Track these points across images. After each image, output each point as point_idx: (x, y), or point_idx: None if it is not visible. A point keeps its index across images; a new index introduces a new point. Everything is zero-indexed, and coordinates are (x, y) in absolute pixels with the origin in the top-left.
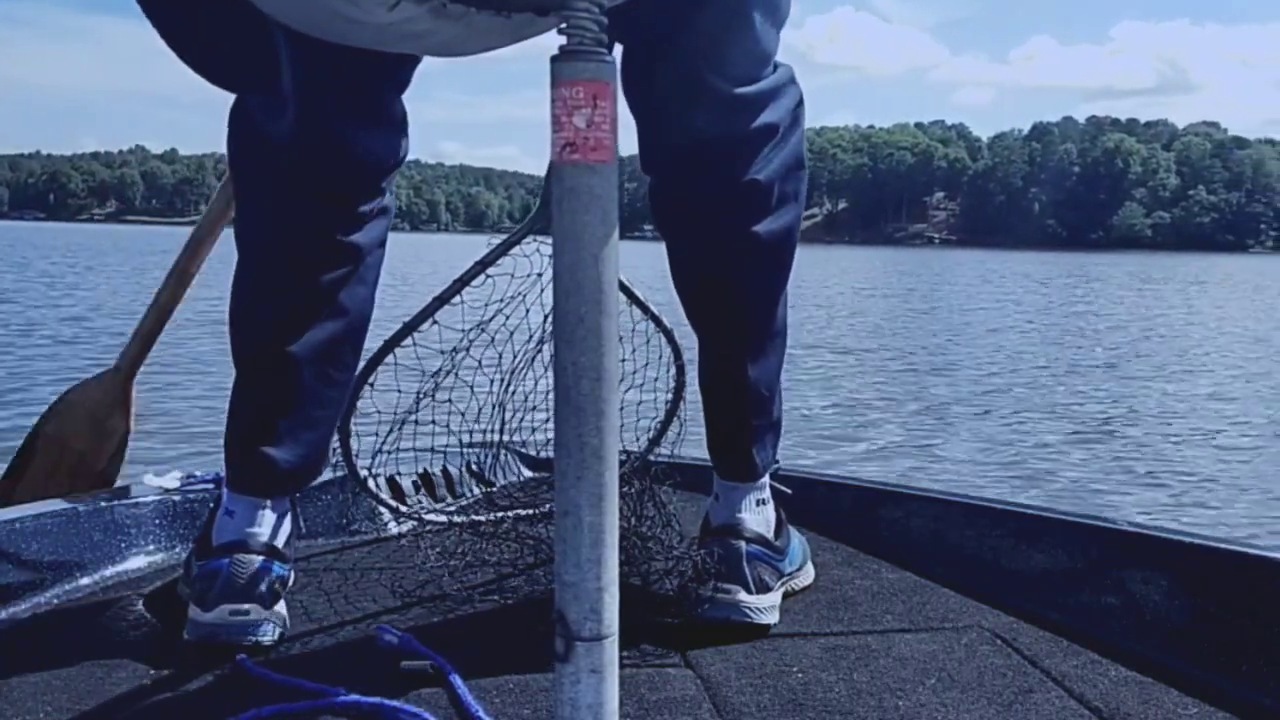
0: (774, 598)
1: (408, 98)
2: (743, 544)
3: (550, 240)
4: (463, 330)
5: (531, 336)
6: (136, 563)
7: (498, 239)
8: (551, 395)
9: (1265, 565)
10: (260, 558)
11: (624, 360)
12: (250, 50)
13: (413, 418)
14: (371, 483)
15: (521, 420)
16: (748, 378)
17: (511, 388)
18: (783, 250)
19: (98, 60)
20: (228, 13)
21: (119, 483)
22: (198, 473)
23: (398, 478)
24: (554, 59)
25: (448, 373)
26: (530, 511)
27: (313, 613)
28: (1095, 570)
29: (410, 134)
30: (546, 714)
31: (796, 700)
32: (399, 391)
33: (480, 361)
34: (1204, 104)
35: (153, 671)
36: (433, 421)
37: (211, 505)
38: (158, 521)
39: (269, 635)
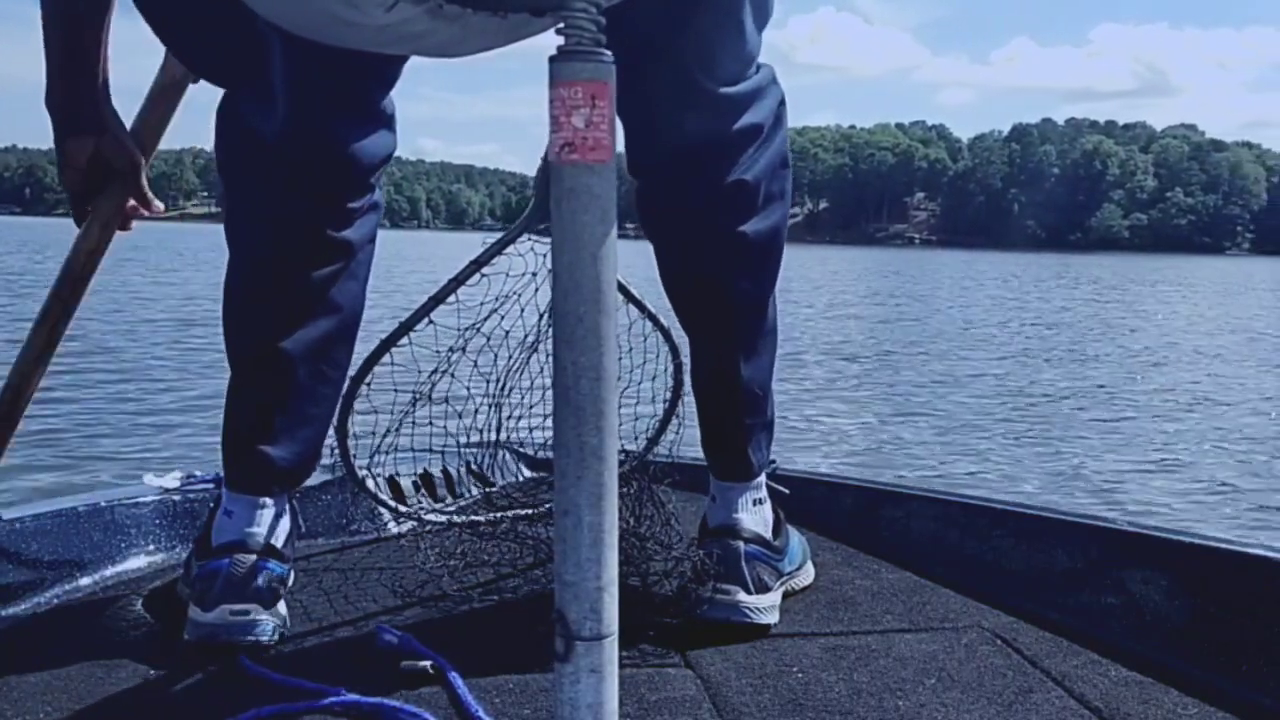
0: (774, 597)
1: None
2: (741, 544)
3: (545, 239)
4: (458, 330)
5: (527, 336)
6: (136, 563)
7: (492, 238)
8: (548, 395)
9: (1265, 565)
10: (260, 558)
11: (619, 359)
12: (239, 44)
13: (410, 419)
14: (371, 483)
15: (518, 422)
16: (741, 377)
17: (507, 387)
18: (771, 249)
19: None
20: (218, 6)
21: (119, 483)
22: (198, 473)
23: (398, 478)
24: (552, 59)
25: (443, 373)
26: (530, 511)
27: (313, 612)
28: (1095, 570)
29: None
30: (546, 714)
31: (796, 700)
32: (395, 390)
33: (476, 362)
34: (1182, 106)
35: (153, 671)
36: (430, 423)
37: (211, 505)
38: (158, 521)
39: (269, 635)
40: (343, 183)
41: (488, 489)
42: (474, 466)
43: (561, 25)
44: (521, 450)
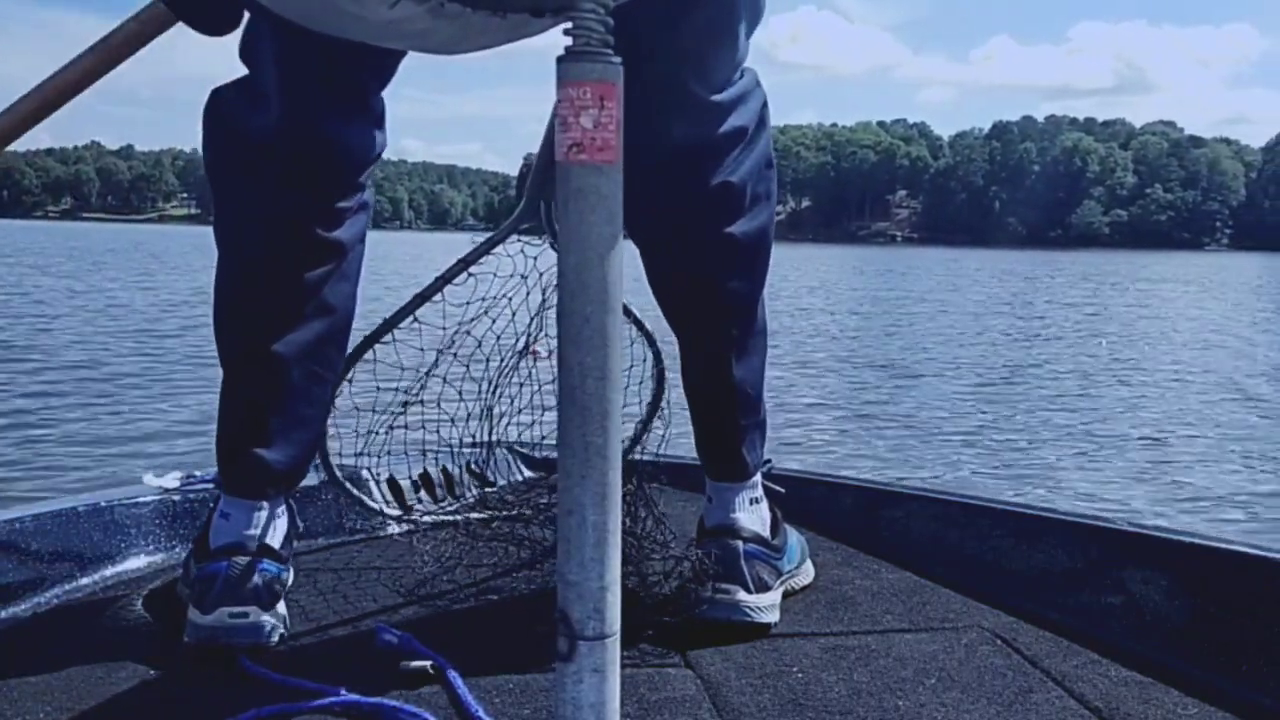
0: (774, 597)
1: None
2: (740, 543)
3: (535, 241)
4: (443, 329)
5: (518, 338)
6: (136, 563)
7: (481, 239)
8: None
9: (1265, 565)
10: (257, 559)
11: None
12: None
13: (401, 420)
14: (372, 483)
15: (508, 425)
16: (733, 378)
17: (498, 388)
18: (759, 249)
19: (53, 54)
20: None
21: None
22: (198, 473)
23: (397, 478)
24: (560, 59)
25: (430, 374)
26: (529, 511)
27: (312, 613)
28: (1095, 570)
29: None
30: (546, 714)
31: (796, 700)
32: (377, 389)
33: (468, 365)
34: (1161, 103)
35: (153, 672)
36: (423, 425)
37: (211, 506)
38: (158, 521)
39: (269, 636)
40: (335, 180)
41: (487, 489)
42: (474, 466)
43: (570, 25)
44: (522, 450)
